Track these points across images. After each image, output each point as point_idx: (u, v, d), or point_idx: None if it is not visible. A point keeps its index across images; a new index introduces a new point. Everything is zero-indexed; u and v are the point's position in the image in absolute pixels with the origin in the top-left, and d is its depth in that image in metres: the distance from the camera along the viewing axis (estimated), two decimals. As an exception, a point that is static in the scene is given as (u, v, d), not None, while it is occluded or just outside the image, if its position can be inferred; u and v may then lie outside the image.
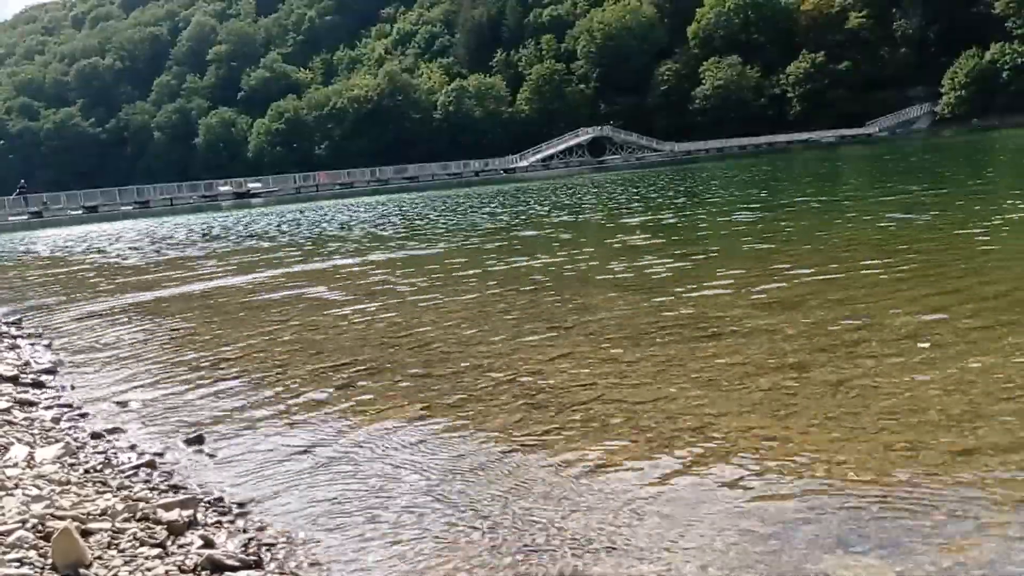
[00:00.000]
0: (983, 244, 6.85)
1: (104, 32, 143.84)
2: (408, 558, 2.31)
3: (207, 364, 4.97)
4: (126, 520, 2.52)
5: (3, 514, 2.46)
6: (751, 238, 9.10)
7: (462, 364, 4.38)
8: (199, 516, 2.62)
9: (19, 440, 3.40)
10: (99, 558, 2.24)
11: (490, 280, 7.43)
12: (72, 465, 3.13)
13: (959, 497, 2.36)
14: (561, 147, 79.70)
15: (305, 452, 3.25)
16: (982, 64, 67.89)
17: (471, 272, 8.16)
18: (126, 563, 2.23)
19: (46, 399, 4.35)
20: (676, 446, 2.95)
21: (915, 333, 4.07)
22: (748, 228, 10.14)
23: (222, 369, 4.80)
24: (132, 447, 3.45)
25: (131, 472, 3.10)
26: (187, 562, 2.26)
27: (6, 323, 7.20)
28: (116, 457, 3.31)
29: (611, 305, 5.62)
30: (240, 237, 17.67)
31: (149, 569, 2.20)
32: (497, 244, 11.08)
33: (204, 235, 19.94)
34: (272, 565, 2.31)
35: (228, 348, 5.39)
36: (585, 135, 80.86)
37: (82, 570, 2.15)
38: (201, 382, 4.52)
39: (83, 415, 4.00)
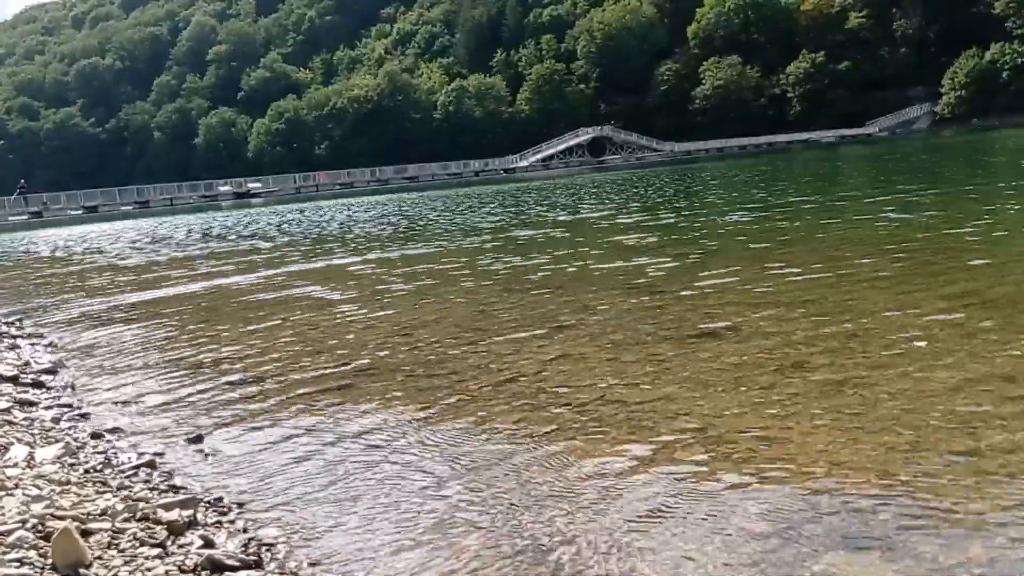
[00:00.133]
0: (983, 244, 6.84)
1: (104, 32, 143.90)
2: (408, 558, 2.31)
3: (207, 364, 4.97)
4: (126, 520, 2.52)
5: (3, 514, 2.46)
6: (751, 238, 9.10)
7: (462, 364, 4.38)
8: (199, 516, 2.62)
9: (19, 440, 3.40)
10: (99, 558, 2.24)
11: (490, 280, 7.43)
12: (72, 465, 3.13)
13: (959, 497, 2.35)
14: (561, 147, 79.72)
15: (305, 452, 3.25)
16: (982, 64, 67.93)
17: (471, 272, 8.16)
18: (126, 563, 2.23)
19: (46, 399, 4.35)
20: (676, 446, 2.95)
21: (915, 332, 4.06)
22: (748, 228, 10.14)
23: (222, 369, 4.79)
24: (132, 447, 3.45)
25: (131, 472, 3.10)
26: (187, 562, 2.26)
27: (6, 323, 7.20)
28: (116, 457, 3.31)
29: (611, 305, 5.62)
30: (240, 237, 17.67)
31: (149, 569, 2.20)
32: (497, 244, 11.08)
33: (204, 235, 19.94)
34: (272, 565, 2.31)
35: (228, 348, 5.39)
36: (585, 135, 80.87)
37: (82, 570, 2.15)
38: (201, 382, 4.51)
39: (83, 415, 3.99)
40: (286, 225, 20.97)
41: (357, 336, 5.42)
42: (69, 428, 3.76)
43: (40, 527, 2.37)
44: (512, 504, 2.60)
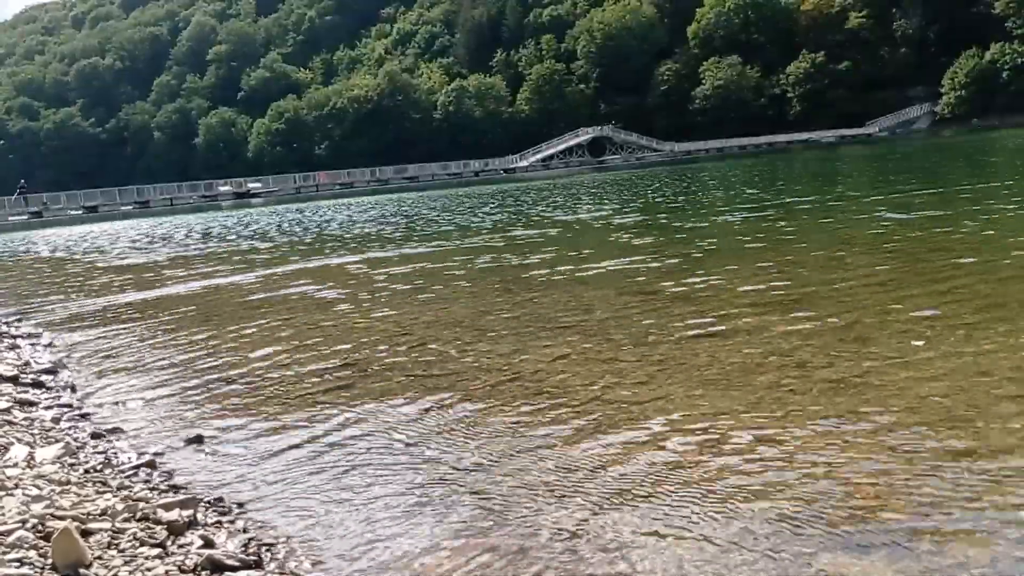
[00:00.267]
0: (981, 243, 6.84)
1: (104, 32, 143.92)
2: (409, 558, 2.31)
3: (207, 364, 4.97)
4: (126, 520, 2.52)
5: (3, 514, 2.46)
6: (750, 237, 9.10)
7: (462, 364, 4.38)
8: (199, 516, 2.62)
9: (19, 440, 3.40)
10: (99, 558, 2.24)
11: (490, 280, 7.43)
12: (72, 465, 3.13)
13: (959, 496, 2.36)
14: (561, 147, 79.71)
15: (305, 452, 3.25)
16: (982, 64, 67.92)
17: (471, 272, 8.16)
18: (126, 563, 2.23)
19: (46, 399, 4.35)
20: (676, 446, 2.95)
21: (914, 332, 4.07)
22: (747, 227, 10.15)
23: (222, 369, 4.79)
24: (132, 447, 3.46)
25: (131, 472, 3.10)
26: (187, 562, 2.26)
27: (6, 323, 7.20)
28: (116, 457, 3.31)
29: (611, 305, 5.62)
30: (240, 237, 17.67)
31: (149, 569, 2.20)
32: (497, 244, 11.08)
33: (204, 235, 19.94)
34: (272, 565, 2.31)
35: (228, 348, 5.39)
36: (585, 135, 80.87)
37: (82, 570, 2.15)
38: (201, 382, 4.51)
39: (83, 415, 3.99)
40: (286, 225, 20.97)
41: (357, 336, 5.42)
42: (69, 428, 3.76)
43: (40, 527, 2.37)
44: (513, 503, 2.60)
